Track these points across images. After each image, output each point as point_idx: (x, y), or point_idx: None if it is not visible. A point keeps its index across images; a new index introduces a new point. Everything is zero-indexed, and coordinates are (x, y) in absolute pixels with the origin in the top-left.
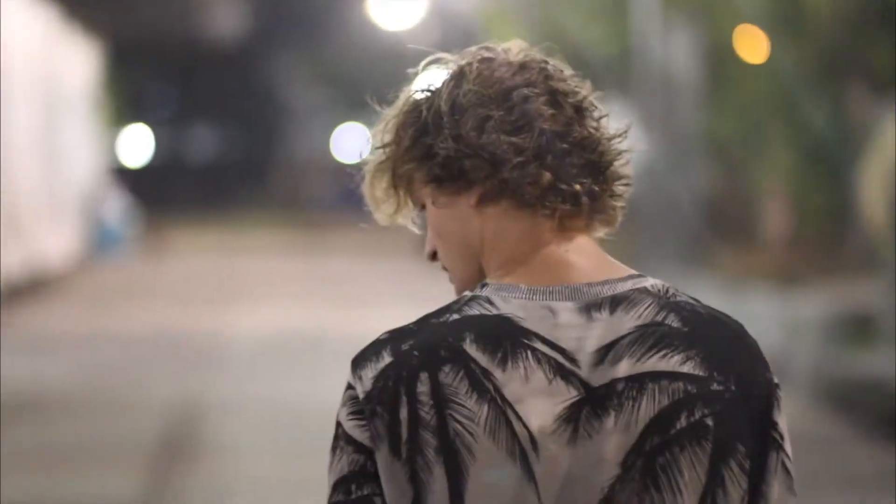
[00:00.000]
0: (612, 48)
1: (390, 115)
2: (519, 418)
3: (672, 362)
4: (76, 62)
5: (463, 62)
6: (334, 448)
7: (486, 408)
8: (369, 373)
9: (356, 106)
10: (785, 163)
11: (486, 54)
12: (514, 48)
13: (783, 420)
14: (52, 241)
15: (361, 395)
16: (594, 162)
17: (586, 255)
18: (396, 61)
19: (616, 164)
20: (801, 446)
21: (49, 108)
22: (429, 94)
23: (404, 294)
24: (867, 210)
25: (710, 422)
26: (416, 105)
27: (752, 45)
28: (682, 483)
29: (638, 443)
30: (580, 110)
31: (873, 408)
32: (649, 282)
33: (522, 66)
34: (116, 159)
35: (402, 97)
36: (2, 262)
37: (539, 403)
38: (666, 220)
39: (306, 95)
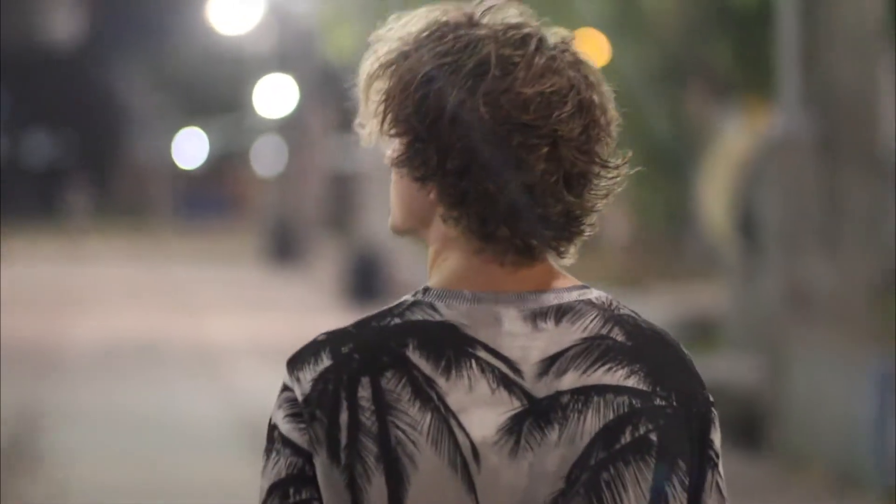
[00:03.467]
0: None
1: (413, 30)
2: (462, 428)
3: (617, 376)
4: None
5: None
6: (269, 451)
7: (429, 416)
8: (308, 375)
9: (196, 111)
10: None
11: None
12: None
13: (718, 439)
14: None
15: (300, 398)
16: (567, 215)
17: (534, 264)
18: (235, 65)
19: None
20: None
21: None
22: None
23: (245, 302)
24: (707, 213)
25: (653, 437)
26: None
27: (592, 48)
28: (626, 499)
29: (583, 456)
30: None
31: None
32: (594, 293)
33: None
34: None
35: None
36: None
37: (482, 414)
38: None
39: (146, 100)
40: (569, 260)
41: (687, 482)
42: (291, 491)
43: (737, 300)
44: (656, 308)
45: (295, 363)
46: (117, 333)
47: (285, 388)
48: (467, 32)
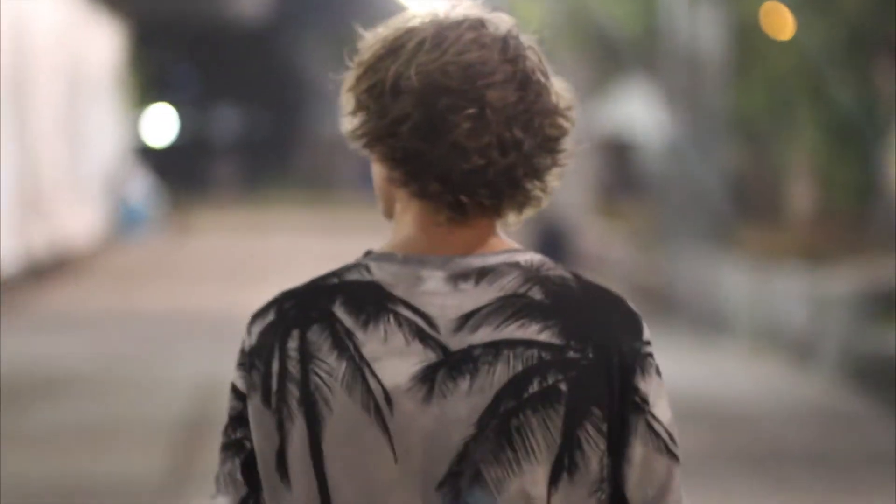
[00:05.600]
0: (637, 26)
1: (386, 38)
2: (374, 376)
3: (529, 331)
4: (100, 43)
5: (449, 32)
6: (229, 399)
7: (344, 364)
8: (257, 329)
9: None
10: (811, 140)
11: (466, 32)
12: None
13: (648, 385)
14: (77, 221)
15: (247, 349)
16: (507, 172)
17: (471, 230)
18: None
19: (543, 162)
20: (831, 424)
21: (73, 89)
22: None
23: None
24: (893, 185)
25: (563, 387)
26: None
27: (778, 21)
28: (535, 443)
29: (492, 405)
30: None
31: None
32: (524, 257)
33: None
34: (140, 139)
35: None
36: (27, 242)
37: (395, 363)
38: (691, 199)
39: (331, 74)
40: (514, 224)
41: (605, 428)
42: (230, 431)
43: None
44: (842, 282)
45: (252, 319)
46: None
47: (242, 342)
48: (420, 23)
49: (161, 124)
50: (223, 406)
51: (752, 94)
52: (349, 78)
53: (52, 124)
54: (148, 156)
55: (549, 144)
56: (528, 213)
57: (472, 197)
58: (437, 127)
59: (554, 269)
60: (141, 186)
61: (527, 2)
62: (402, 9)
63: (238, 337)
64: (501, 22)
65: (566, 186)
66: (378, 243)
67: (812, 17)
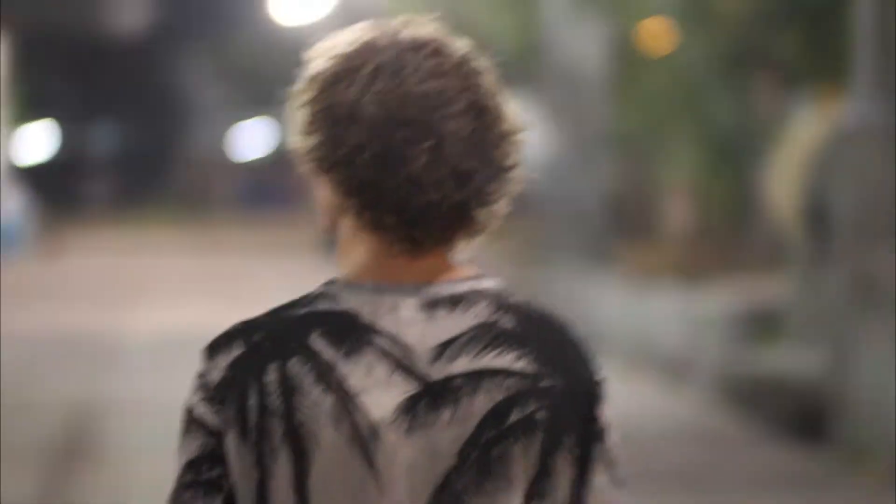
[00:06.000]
0: (519, 41)
1: (332, 50)
2: (360, 409)
3: (506, 360)
4: None
5: (396, 57)
6: (185, 432)
7: (330, 398)
8: (222, 362)
9: (258, 102)
10: (689, 157)
11: (403, 55)
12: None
13: (605, 413)
14: None
15: (214, 383)
16: (456, 201)
17: (429, 259)
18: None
19: (491, 192)
20: (705, 445)
21: None
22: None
23: (304, 291)
24: (774, 202)
25: (540, 415)
26: (347, 68)
27: (657, 37)
28: (514, 472)
29: (473, 435)
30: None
31: (777, 406)
32: (486, 283)
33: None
34: (16, 156)
35: (349, 40)
36: None
37: (380, 395)
38: (569, 216)
39: (208, 91)
40: (464, 253)
41: (575, 454)
42: (204, 468)
43: (802, 291)
44: (719, 300)
45: (211, 350)
46: (178, 324)
47: (201, 374)
48: (377, 43)
49: (38, 140)
50: (97, 430)
51: (631, 111)
52: (302, 93)
53: None
54: (24, 173)
55: (502, 174)
56: (478, 240)
57: (426, 230)
58: (394, 159)
59: (512, 297)
60: (16, 204)
61: (403, 13)
62: (272, 27)
63: (109, 360)
64: (459, 44)
65: None
66: (257, 263)
67: (693, 33)
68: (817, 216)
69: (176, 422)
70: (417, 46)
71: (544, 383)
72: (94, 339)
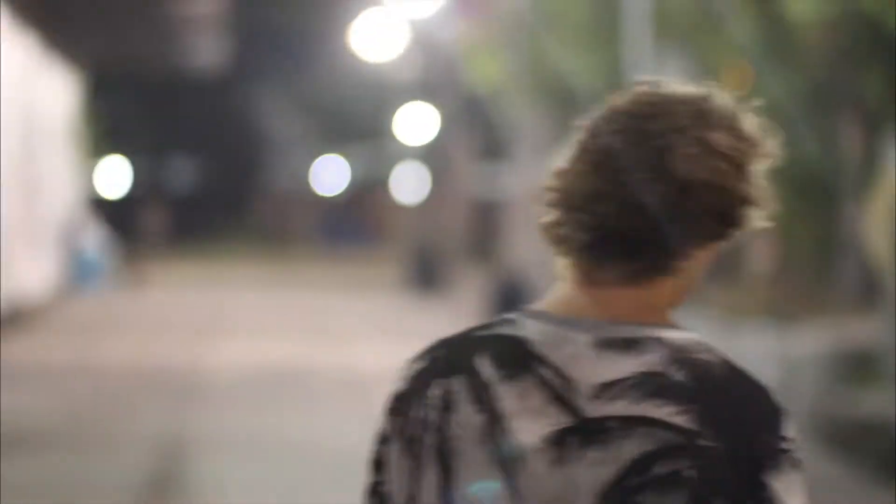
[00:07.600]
0: (599, 78)
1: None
2: (509, 432)
3: (665, 412)
4: (55, 92)
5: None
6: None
7: (480, 417)
8: (408, 374)
9: (337, 137)
10: (775, 197)
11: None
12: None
13: (781, 483)
14: (31, 273)
15: (397, 393)
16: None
17: (621, 298)
18: (377, 93)
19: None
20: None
21: (27, 139)
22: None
23: (388, 330)
24: (870, 245)
25: (689, 474)
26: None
27: (740, 76)
28: None
29: (617, 479)
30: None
31: (874, 448)
32: (671, 333)
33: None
34: (94, 190)
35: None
36: None
37: (530, 422)
38: None
39: (287, 126)
40: (662, 297)
41: None
42: (374, 472)
43: None
44: (810, 341)
45: (407, 364)
46: (259, 360)
47: (396, 383)
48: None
49: (115, 175)
50: (187, 466)
51: None
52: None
53: (5, 174)
54: (102, 207)
55: (717, 220)
56: (679, 288)
57: (636, 271)
58: (603, 184)
59: (704, 353)
60: (95, 238)
61: (484, 53)
62: (353, 62)
63: (194, 394)
64: (722, 110)
65: (526, 242)
66: (338, 299)
67: (774, 71)
68: None
69: (258, 459)
70: (712, 118)
71: (702, 442)
72: (176, 373)
